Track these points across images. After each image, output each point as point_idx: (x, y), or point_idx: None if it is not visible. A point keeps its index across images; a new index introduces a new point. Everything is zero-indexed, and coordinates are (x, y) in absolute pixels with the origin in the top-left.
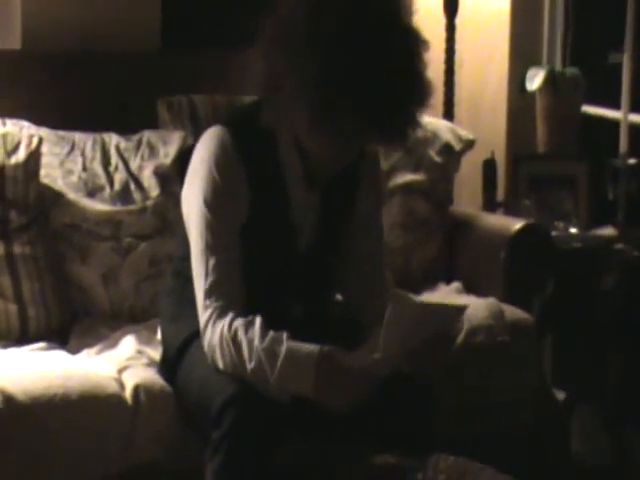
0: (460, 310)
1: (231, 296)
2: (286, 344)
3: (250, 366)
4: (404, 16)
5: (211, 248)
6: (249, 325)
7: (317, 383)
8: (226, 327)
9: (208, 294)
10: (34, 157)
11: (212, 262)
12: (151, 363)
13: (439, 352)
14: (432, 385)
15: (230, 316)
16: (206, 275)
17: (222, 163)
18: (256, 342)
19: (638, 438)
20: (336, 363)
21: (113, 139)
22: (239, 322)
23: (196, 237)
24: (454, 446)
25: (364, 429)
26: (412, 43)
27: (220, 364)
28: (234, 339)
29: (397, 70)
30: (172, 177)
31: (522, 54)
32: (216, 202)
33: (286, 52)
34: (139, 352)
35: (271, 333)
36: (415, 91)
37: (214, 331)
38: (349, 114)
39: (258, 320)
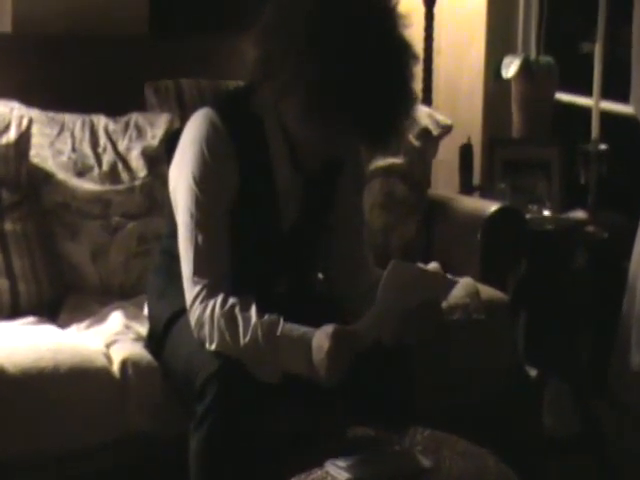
0: (453, 283)
1: (220, 274)
2: (283, 323)
3: (244, 341)
4: (400, 30)
5: (199, 225)
6: (245, 303)
7: (329, 354)
8: (219, 303)
9: (196, 270)
10: (24, 137)
11: (200, 239)
12: (138, 338)
13: (428, 320)
14: (415, 360)
15: (222, 294)
16: (194, 251)
17: (212, 142)
18: (253, 319)
19: (605, 412)
20: (351, 334)
21: (102, 121)
22: (235, 299)
23: (184, 214)
24: (429, 419)
25: (346, 403)
26: (405, 57)
27: (207, 340)
28: (229, 314)
29: (389, 83)
30: (159, 158)
31: (498, 43)
32: (205, 180)
33: (283, 43)
34: (127, 327)
35: (268, 314)
36: (403, 104)
37: (204, 307)
38: (338, 119)
39: (253, 301)
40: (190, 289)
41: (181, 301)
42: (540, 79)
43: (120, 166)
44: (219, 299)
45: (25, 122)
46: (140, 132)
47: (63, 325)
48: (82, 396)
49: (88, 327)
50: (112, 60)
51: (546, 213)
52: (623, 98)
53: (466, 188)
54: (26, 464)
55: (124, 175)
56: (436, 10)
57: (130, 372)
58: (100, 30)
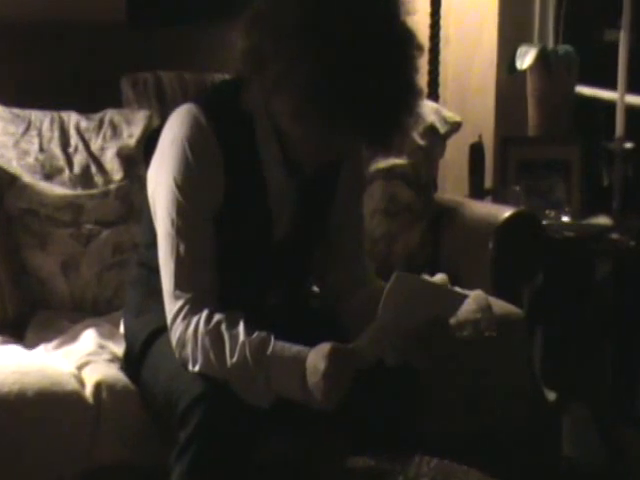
0: (462, 297)
1: (204, 287)
2: (274, 341)
3: (231, 361)
4: (402, 19)
5: (181, 233)
6: (232, 320)
7: (325, 376)
8: (203, 320)
9: (178, 283)
10: None
11: (182, 248)
12: (113, 359)
13: (434, 339)
14: (417, 382)
15: (207, 310)
16: (176, 262)
17: (196, 142)
18: (241, 337)
19: (630, 439)
20: (349, 353)
21: (72, 118)
22: (221, 316)
23: (165, 221)
24: (438, 445)
25: (344, 429)
26: (408, 49)
27: (190, 360)
28: (214, 332)
29: (390, 79)
30: (137, 159)
31: (512, 31)
32: (188, 184)
33: (276, 34)
34: (101, 347)
35: (257, 331)
36: (404, 100)
37: (186, 324)
38: (335, 117)
39: (242, 317)
40: (171, 304)
41: (161, 318)
42: (558, 71)
43: (93, 168)
44: (203, 315)
45: None
46: (115, 130)
47: (30, 345)
48: (51, 423)
49: (58, 347)
50: (85, 51)
51: (565, 219)
52: None
53: (476, 191)
54: None
55: (97, 178)
56: None
57: (104, 396)
58: (72, 17)
